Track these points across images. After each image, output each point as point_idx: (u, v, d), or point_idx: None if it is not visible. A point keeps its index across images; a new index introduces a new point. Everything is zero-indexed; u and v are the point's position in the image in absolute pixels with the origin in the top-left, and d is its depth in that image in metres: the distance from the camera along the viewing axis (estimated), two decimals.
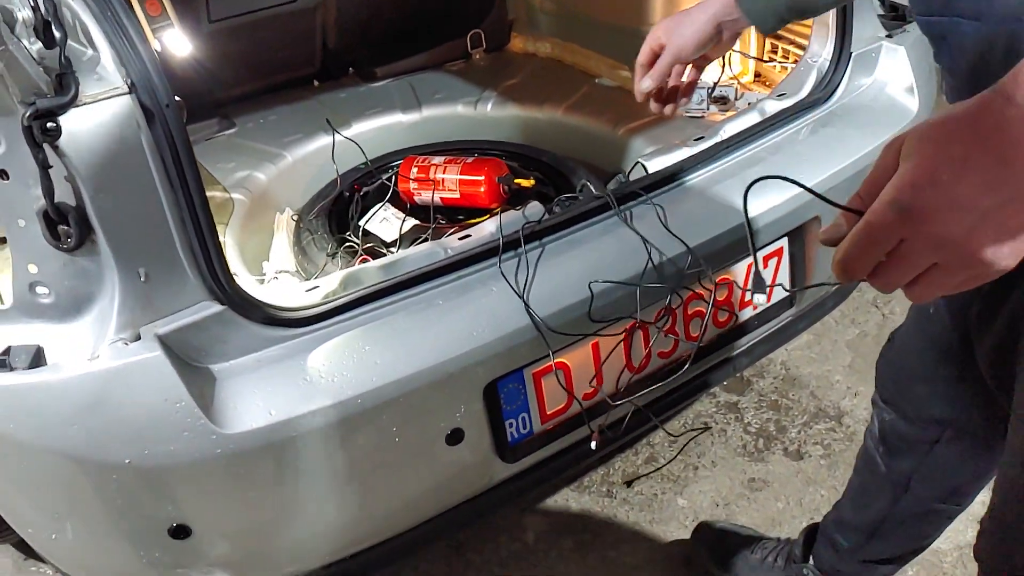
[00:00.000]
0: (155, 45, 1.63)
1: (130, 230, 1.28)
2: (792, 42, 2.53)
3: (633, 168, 1.79)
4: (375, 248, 2.05)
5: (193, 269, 1.33)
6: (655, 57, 1.51)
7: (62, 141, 1.21)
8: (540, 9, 2.96)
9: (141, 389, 1.28)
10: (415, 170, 2.20)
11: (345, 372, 1.39)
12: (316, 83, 2.85)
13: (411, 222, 2.13)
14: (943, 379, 1.49)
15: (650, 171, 1.75)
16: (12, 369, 1.28)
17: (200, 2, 2.48)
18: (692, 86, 1.56)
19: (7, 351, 1.31)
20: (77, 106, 1.21)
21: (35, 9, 1.21)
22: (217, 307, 1.35)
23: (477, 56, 2.94)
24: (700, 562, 2.16)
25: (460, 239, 1.60)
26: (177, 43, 1.70)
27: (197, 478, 1.32)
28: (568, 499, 2.39)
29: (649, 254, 1.55)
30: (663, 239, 1.62)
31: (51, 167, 1.22)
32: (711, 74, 2.50)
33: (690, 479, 2.44)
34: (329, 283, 1.52)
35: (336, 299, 1.45)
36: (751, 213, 1.73)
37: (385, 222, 2.15)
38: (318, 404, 1.35)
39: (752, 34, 2.57)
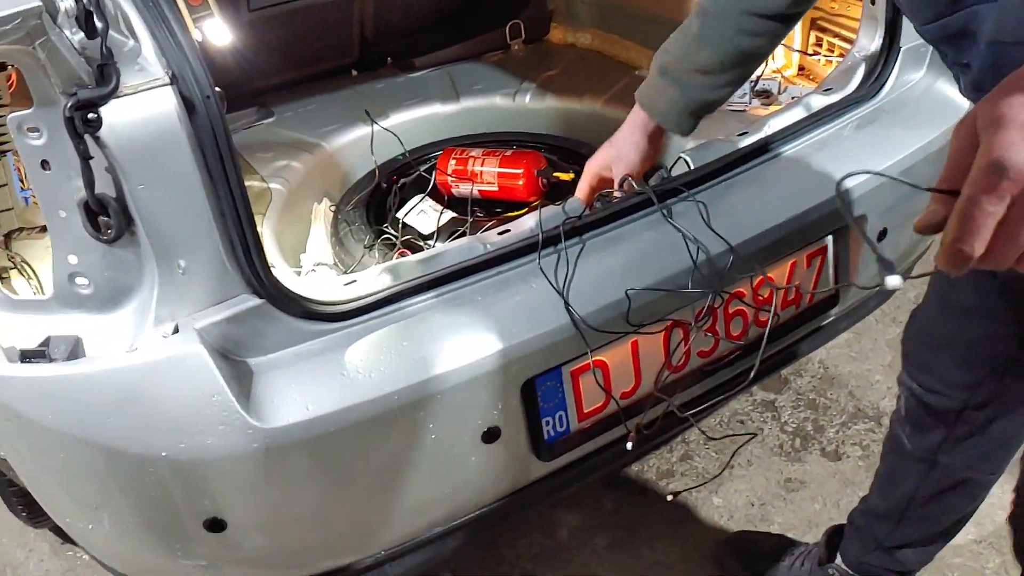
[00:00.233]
0: (196, 35, 1.62)
1: (169, 222, 1.28)
2: (837, 35, 2.48)
3: (675, 163, 1.76)
4: (412, 241, 2.04)
5: (232, 262, 1.32)
6: (599, 186, 1.73)
7: (103, 132, 1.20)
8: None
9: (179, 382, 1.27)
10: (453, 162, 2.19)
11: (383, 368, 1.38)
12: (354, 73, 2.84)
13: (448, 215, 2.11)
14: (967, 343, 1.51)
15: (693, 167, 1.71)
16: (51, 360, 1.28)
17: None
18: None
19: (46, 341, 1.31)
20: (118, 97, 1.21)
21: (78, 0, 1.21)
22: (255, 300, 1.34)
23: (516, 47, 2.91)
24: (732, 571, 2.13)
25: (499, 234, 1.58)
26: (218, 32, 1.69)
27: (233, 472, 1.32)
28: (602, 496, 2.37)
29: (692, 253, 1.52)
30: (706, 236, 1.59)
31: (92, 158, 1.22)
32: None
33: (725, 478, 2.41)
34: (367, 277, 1.51)
35: (374, 294, 1.44)
36: (793, 210, 1.70)
37: (422, 214, 2.14)
38: (355, 400, 1.34)
39: (798, 27, 2.53)
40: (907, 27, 1.96)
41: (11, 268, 1.69)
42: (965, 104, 1.84)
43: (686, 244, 1.56)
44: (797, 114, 1.87)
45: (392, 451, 1.41)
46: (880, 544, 1.81)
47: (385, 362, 1.38)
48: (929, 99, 1.95)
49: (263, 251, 1.35)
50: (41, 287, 1.63)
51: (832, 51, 2.50)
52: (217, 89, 1.35)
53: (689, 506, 2.33)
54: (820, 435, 2.51)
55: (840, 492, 2.35)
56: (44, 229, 1.61)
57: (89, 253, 1.31)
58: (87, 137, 1.20)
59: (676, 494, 2.36)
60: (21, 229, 1.74)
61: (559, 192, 2.13)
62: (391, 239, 2.06)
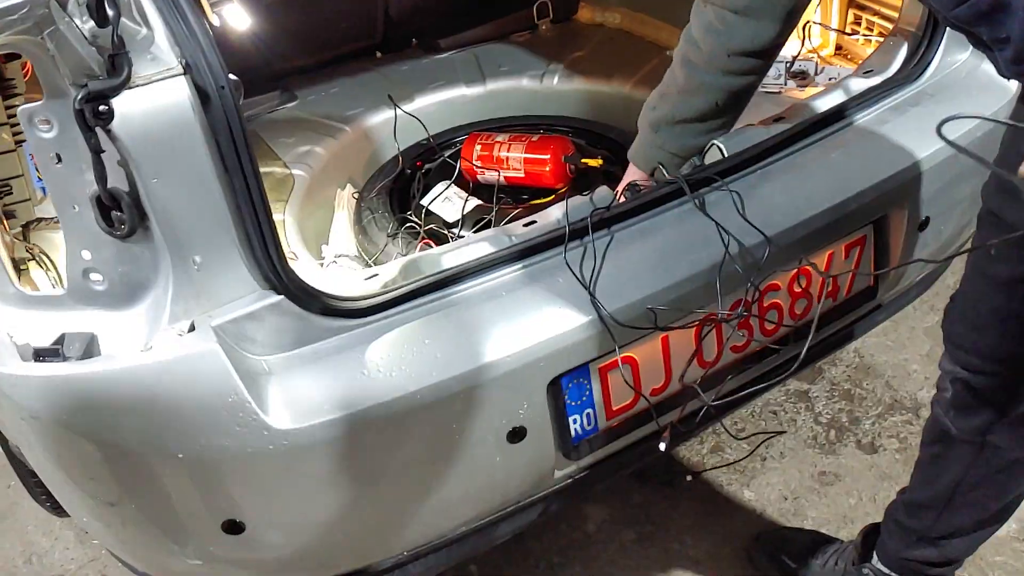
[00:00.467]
0: (214, 20, 1.57)
1: (184, 217, 1.24)
2: (877, 12, 2.39)
3: (708, 150, 1.69)
4: (436, 229, 1.99)
5: (249, 257, 1.28)
6: None
7: (114, 124, 1.16)
8: None
9: (194, 382, 1.24)
10: (478, 148, 2.14)
11: (404, 366, 1.33)
12: (378, 55, 2.78)
13: (474, 202, 2.06)
14: (1014, 316, 1.45)
15: (727, 154, 1.65)
16: (65, 359, 1.25)
17: None
18: None
19: (61, 339, 1.28)
20: (130, 88, 1.17)
21: None
22: (273, 297, 1.30)
23: (544, 27, 2.84)
24: (762, 569, 2.08)
25: (525, 225, 1.53)
26: (236, 17, 1.65)
27: (250, 474, 1.29)
28: (630, 489, 2.32)
29: (726, 244, 1.46)
30: (740, 227, 1.53)
31: (103, 151, 1.18)
32: (790, 47, 2.37)
33: (757, 470, 2.35)
34: (389, 271, 1.46)
35: (396, 288, 1.39)
36: (831, 200, 1.63)
37: (447, 201, 2.09)
38: (375, 400, 1.30)
39: (835, 2, 2.44)
40: None
41: (29, 259, 1.66)
42: (1013, 87, 1.77)
43: (720, 235, 1.50)
44: (836, 98, 1.80)
45: (413, 452, 1.37)
46: (924, 535, 1.75)
47: (406, 360, 1.34)
48: (975, 80, 1.87)
49: (280, 246, 1.30)
50: (60, 278, 1.60)
51: (871, 30, 2.41)
52: (233, 77, 1.30)
53: (719, 500, 2.28)
54: (855, 427, 2.44)
55: (876, 486, 2.29)
56: (57, 221, 1.57)
57: (102, 249, 1.27)
58: (98, 130, 1.16)
59: (706, 487, 2.30)
60: (39, 220, 1.71)
61: (587, 178, 2.08)
62: (415, 227, 2.01)
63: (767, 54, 1.53)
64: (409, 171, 2.22)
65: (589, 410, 1.52)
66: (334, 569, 1.48)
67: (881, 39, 2.33)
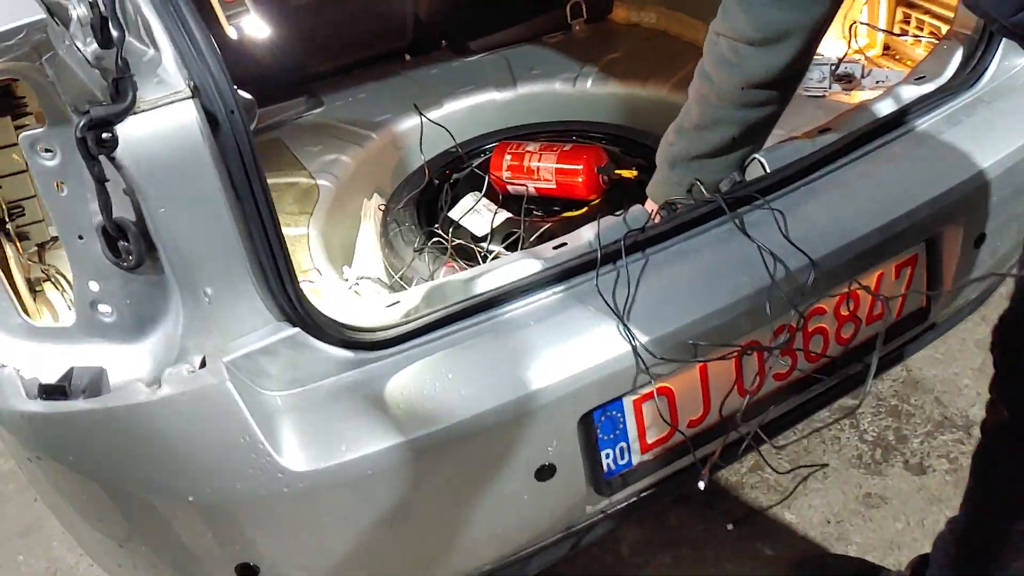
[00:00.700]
0: (230, 32, 1.51)
1: (194, 247, 1.17)
2: (928, 11, 2.27)
3: (749, 164, 1.60)
4: (464, 245, 1.92)
5: (263, 289, 1.22)
6: None
7: (119, 152, 1.10)
8: None
9: (205, 421, 1.18)
10: (508, 158, 2.06)
11: (426, 403, 1.26)
12: (407, 57, 2.71)
13: (503, 215, 1.99)
14: None
15: (768, 169, 1.56)
16: (71, 396, 1.19)
17: None
18: None
19: (68, 374, 1.22)
20: (135, 113, 1.10)
21: (93, 5, 1.10)
22: (289, 329, 1.24)
23: (577, 27, 2.75)
24: None
25: (554, 248, 1.45)
26: (255, 27, 1.58)
27: (264, 517, 1.22)
28: (666, 509, 2.24)
29: (771, 273, 1.37)
30: (783, 248, 1.44)
31: (108, 180, 1.12)
32: (834, 48, 2.27)
33: (799, 491, 2.26)
34: (411, 298, 1.39)
35: (418, 318, 1.32)
36: (881, 219, 1.53)
37: (476, 214, 2.02)
38: (395, 440, 1.23)
39: (883, 3, 2.32)
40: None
41: (44, 280, 1.61)
42: None
43: (762, 258, 1.41)
44: (886, 107, 1.69)
45: (434, 493, 1.30)
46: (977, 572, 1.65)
47: (429, 396, 1.27)
48: None
49: (295, 276, 1.24)
50: (71, 302, 1.55)
51: (921, 29, 2.29)
52: (246, 96, 1.24)
53: (759, 522, 2.19)
54: (903, 445, 2.34)
55: (925, 510, 2.18)
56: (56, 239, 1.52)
57: (110, 280, 1.22)
58: (102, 158, 1.10)
59: (745, 508, 2.21)
60: (54, 239, 1.66)
61: (621, 190, 1.99)
62: (442, 242, 1.94)
63: (784, 85, 1.44)
64: (437, 182, 2.14)
65: (623, 444, 1.44)
66: None
67: (932, 39, 2.21)
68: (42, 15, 1.02)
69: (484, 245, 1.93)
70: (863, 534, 2.14)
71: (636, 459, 1.47)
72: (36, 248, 1.64)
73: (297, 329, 1.24)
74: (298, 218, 2.07)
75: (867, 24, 2.29)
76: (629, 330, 1.33)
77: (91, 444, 1.18)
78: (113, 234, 1.16)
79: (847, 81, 2.21)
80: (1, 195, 1.63)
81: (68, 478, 1.22)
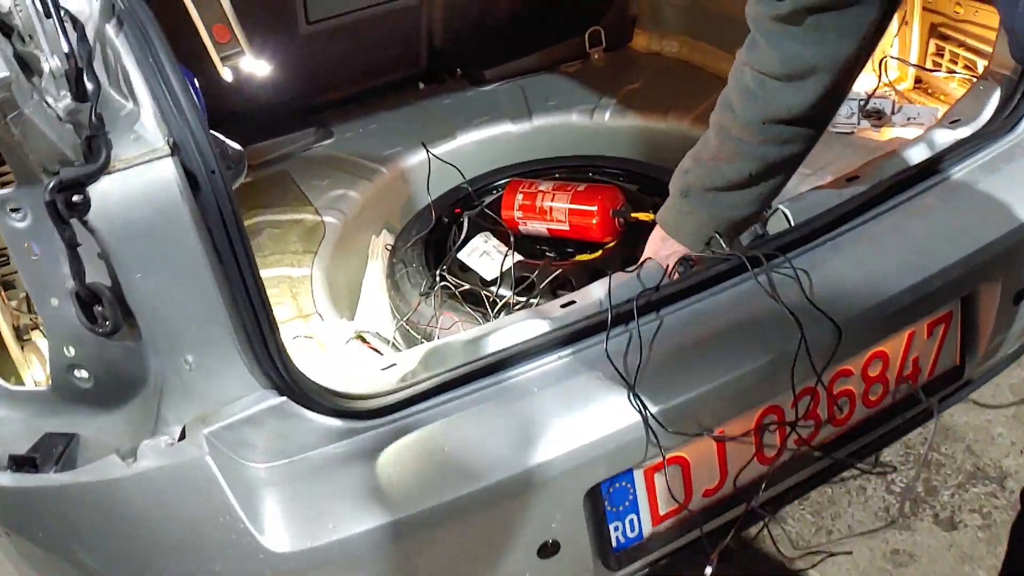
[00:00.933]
0: (225, 75, 1.44)
1: (174, 314, 1.10)
2: (962, 44, 2.17)
3: (772, 214, 1.51)
4: (474, 289, 1.83)
5: (248, 356, 1.14)
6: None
7: (91, 215, 1.03)
8: (667, 3, 2.66)
9: (182, 498, 1.11)
10: (520, 197, 1.98)
11: (420, 478, 1.19)
12: (421, 85, 2.64)
13: (514, 257, 1.90)
14: None
15: (793, 222, 1.46)
16: (42, 468, 1.12)
17: (297, 2, 2.30)
18: None
19: (39, 444, 1.16)
20: (109, 173, 1.03)
21: (69, 56, 1.03)
22: (275, 398, 1.17)
23: (596, 56, 2.66)
24: None
25: (563, 306, 1.36)
26: (254, 67, 1.52)
27: None
28: (679, 560, 2.14)
29: (801, 340, 1.28)
30: (806, 310, 1.35)
31: (79, 245, 1.05)
32: (863, 82, 2.17)
33: (822, 546, 2.15)
34: (408, 360, 1.31)
35: (413, 384, 1.24)
36: (913, 277, 1.43)
37: (486, 256, 1.94)
38: (386, 518, 1.15)
39: (915, 32, 2.23)
40: None
41: (33, 328, 1.55)
42: None
43: (785, 322, 1.32)
44: (917, 153, 1.59)
45: (429, 575, 1.21)
46: None
47: (423, 471, 1.19)
48: None
49: (282, 342, 1.16)
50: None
51: (955, 63, 2.19)
52: (235, 147, 1.17)
53: None
54: (933, 498, 2.23)
55: (956, 569, 2.07)
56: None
57: (86, 345, 1.15)
58: (73, 221, 1.03)
59: (765, 563, 2.11)
60: None
61: (638, 231, 1.90)
62: (450, 284, 1.86)
63: (809, 124, 1.35)
64: (446, 220, 2.07)
65: (632, 516, 1.35)
66: None
67: (967, 74, 2.12)
68: (5, 72, 0.95)
69: (493, 290, 1.84)
70: None
71: (647, 531, 1.38)
72: (24, 296, 1.58)
73: (284, 398, 1.17)
74: (302, 257, 2.00)
75: (898, 59, 2.19)
76: (640, 400, 1.24)
77: (62, 521, 1.11)
78: (87, 300, 1.09)
79: (876, 117, 2.11)
80: None
81: (38, 556, 1.14)
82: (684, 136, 2.29)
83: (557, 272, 1.82)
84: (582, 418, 1.25)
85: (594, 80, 2.53)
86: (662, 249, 1.46)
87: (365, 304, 1.95)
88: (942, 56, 2.21)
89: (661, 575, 1.50)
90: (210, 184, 1.05)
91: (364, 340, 1.72)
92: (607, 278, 1.37)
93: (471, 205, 2.09)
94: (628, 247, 1.87)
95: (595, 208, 1.89)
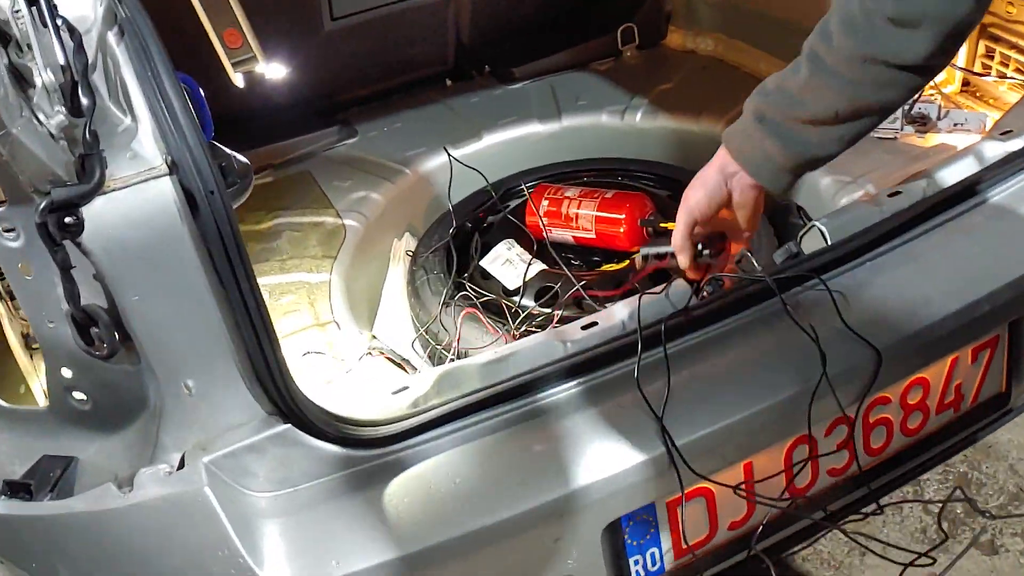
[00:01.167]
0: (237, 81, 1.39)
1: (173, 338, 1.06)
2: (1014, 46, 2.06)
3: (807, 232, 1.43)
4: (496, 299, 1.77)
5: (251, 381, 1.09)
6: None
7: (85, 236, 0.98)
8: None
9: (179, 530, 1.06)
10: (546, 203, 1.92)
11: (429, 511, 1.13)
12: (448, 83, 2.58)
13: (538, 266, 1.84)
14: None
15: (830, 240, 1.38)
16: (37, 494, 1.08)
17: None
18: (725, 257, 1.32)
19: (36, 467, 1.12)
20: (104, 193, 0.98)
21: (64, 69, 0.98)
22: (278, 425, 1.11)
23: (628, 53, 2.58)
24: None
25: (583, 328, 1.30)
26: (271, 71, 1.46)
27: None
28: None
29: (823, 373, 1.21)
30: (844, 335, 1.27)
31: (74, 267, 1.00)
32: None
33: (855, 567, 2.08)
34: (421, 384, 1.25)
35: (424, 411, 1.18)
36: (958, 301, 1.35)
37: (508, 264, 1.87)
38: (392, 554, 1.10)
39: None
40: None
41: (36, 348, 1.51)
42: None
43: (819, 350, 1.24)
44: (965, 167, 1.50)
45: None
46: None
47: (433, 503, 1.13)
48: None
49: (287, 367, 1.11)
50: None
51: (1006, 65, 2.08)
52: (242, 160, 1.12)
53: None
54: (972, 520, 2.14)
55: None
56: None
57: (84, 367, 1.10)
58: (67, 243, 0.98)
59: None
60: None
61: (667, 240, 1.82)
62: (471, 293, 1.80)
63: (914, 73, 1.21)
64: (469, 225, 2.01)
65: (654, 550, 1.29)
66: None
67: (1020, 78, 2.01)
68: None
69: (515, 299, 1.78)
70: None
71: (669, 564, 1.32)
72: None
73: (288, 425, 1.11)
74: (321, 263, 1.94)
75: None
76: (667, 433, 1.17)
77: (56, 551, 1.07)
78: (83, 322, 1.04)
79: (921, 123, 2.02)
80: None
81: None
82: (717, 139, 2.19)
83: (581, 284, 1.75)
84: (603, 450, 1.19)
85: (626, 79, 2.45)
86: (722, 170, 1.33)
87: (385, 312, 1.89)
88: (992, 59, 2.11)
89: None
90: (209, 205, 1.00)
91: (381, 352, 1.67)
92: (634, 298, 1.30)
93: (495, 211, 2.02)
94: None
95: (623, 216, 1.82)
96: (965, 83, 2.17)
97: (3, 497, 1.08)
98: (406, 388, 1.25)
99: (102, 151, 0.98)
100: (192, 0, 1.34)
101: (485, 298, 1.77)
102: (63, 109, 0.98)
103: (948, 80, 2.16)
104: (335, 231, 2.04)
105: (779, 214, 1.97)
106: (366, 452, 1.15)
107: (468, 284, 1.82)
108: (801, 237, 1.42)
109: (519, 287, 1.81)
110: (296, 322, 1.78)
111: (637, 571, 1.29)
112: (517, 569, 1.17)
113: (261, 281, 1.86)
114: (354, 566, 1.09)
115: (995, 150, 1.53)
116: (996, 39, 2.09)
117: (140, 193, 0.99)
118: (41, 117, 0.95)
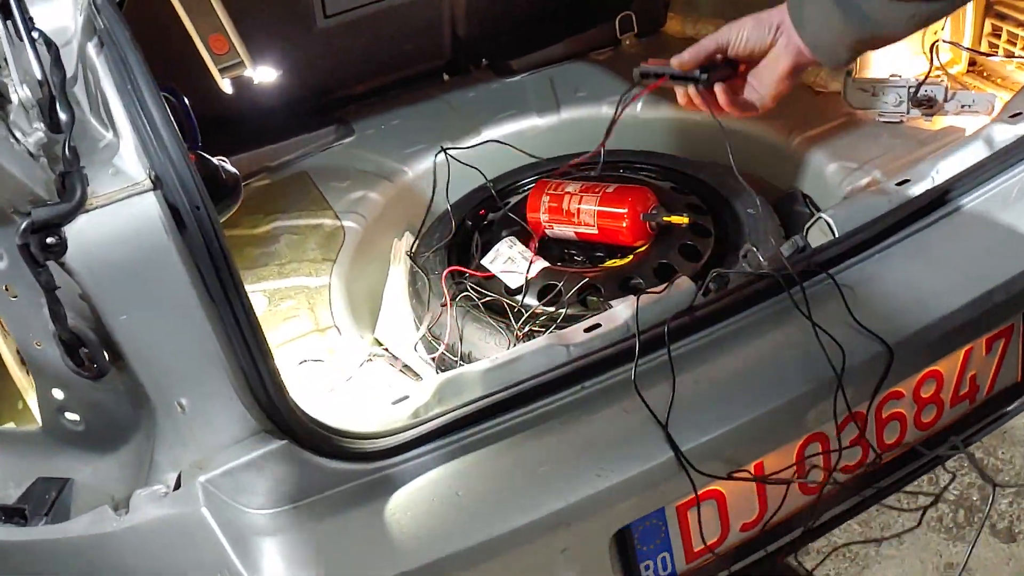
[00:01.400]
0: (225, 87, 1.36)
1: (164, 356, 1.03)
2: (1022, 23, 2.02)
3: (813, 224, 1.39)
4: (499, 299, 1.74)
5: (246, 397, 1.07)
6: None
7: (69, 256, 0.96)
8: None
9: (176, 553, 1.04)
10: (546, 199, 1.88)
11: (433, 524, 1.10)
12: (445, 77, 2.54)
13: (540, 264, 1.81)
14: None
15: (837, 232, 1.35)
16: (31, 519, 1.06)
17: None
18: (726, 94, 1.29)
19: (31, 490, 1.09)
20: (87, 211, 0.95)
21: (42, 84, 0.96)
22: (275, 442, 1.09)
23: (627, 42, 2.54)
24: None
25: (586, 331, 1.27)
26: (261, 75, 1.43)
27: None
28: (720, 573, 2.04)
29: (839, 373, 1.17)
30: (854, 330, 1.24)
31: (58, 288, 0.97)
32: (913, 67, 2.03)
33: (871, 558, 2.05)
34: (421, 393, 1.23)
35: (425, 421, 1.16)
36: (971, 292, 1.31)
37: (510, 263, 1.84)
38: (396, 569, 1.07)
39: (968, 14, 2.08)
40: None
41: None
42: None
43: (831, 346, 1.21)
44: (974, 153, 1.47)
45: None
46: None
47: (436, 517, 1.11)
48: None
49: (282, 382, 1.08)
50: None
51: (1013, 43, 2.04)
52: (231, 169, 1.09)
53: None
54: (988, 507, 2.10)
55: None
56: None
57: (75, 388, 1.08)
58: (50, 263, 0.95)
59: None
60: None
61: (671, 235, 1.79)
62: (473, 294, 1.77)
63: None
64: (470, 223, 1.98)
65: (665, 554, 1.26)
66: None
67: None
68: None
69: (517, 299, 1.75)
70: None
71: (680, 568, 1.29)
72: None
73: (285, 441, 1.09)
74: (320, 266, 1.92)
75: (951, 43, 2.04)
76: (672, 438, 1.14)
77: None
78: (70, 343, 1.01)
79: (928, 106, 1.97)
80: None
81: None
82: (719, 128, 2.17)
83: (584, 282, 1.72)
84: (609, 456, 1.16)
85: (625, 68, 2.38)
86: (780, 24, 1.23)
87: (386, 314, 1.86)
88: (999, 37, 2.06)
89: None
90: (195, 220, 0.97)
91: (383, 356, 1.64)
92: (635, 298, 1.27)
93: (496, 207, 1.99)
94: (660, 252, 1.76)
95: (625, 211, 1.78)
96: (972, 63, 2.12)
97: None
98: (406, 397, 1.23)
99: (83, 168, 0.95)
100: (175, 6, 1.30)
101: (487, 298, 1.74)
102: (42, 125, 0.96)
103: (955, 60, 2.12)
104: (334, 233, 2.01)
105: (784, 203, 1.94)
106: (366, 465, 1.13)
107: (469, 284, 1.79)
108: (807, 230, 1.38)
109: (521, 286, 1.78)
110: (296, 328, 1.75)
111: None
112: None
113: (260, 286, 1.87)
114: None
115: (1005, 134, 1.49)
116: (1003, 17, 2.05)
117: (124, 210, 0.96)
118: (18, 135, 0.93)
